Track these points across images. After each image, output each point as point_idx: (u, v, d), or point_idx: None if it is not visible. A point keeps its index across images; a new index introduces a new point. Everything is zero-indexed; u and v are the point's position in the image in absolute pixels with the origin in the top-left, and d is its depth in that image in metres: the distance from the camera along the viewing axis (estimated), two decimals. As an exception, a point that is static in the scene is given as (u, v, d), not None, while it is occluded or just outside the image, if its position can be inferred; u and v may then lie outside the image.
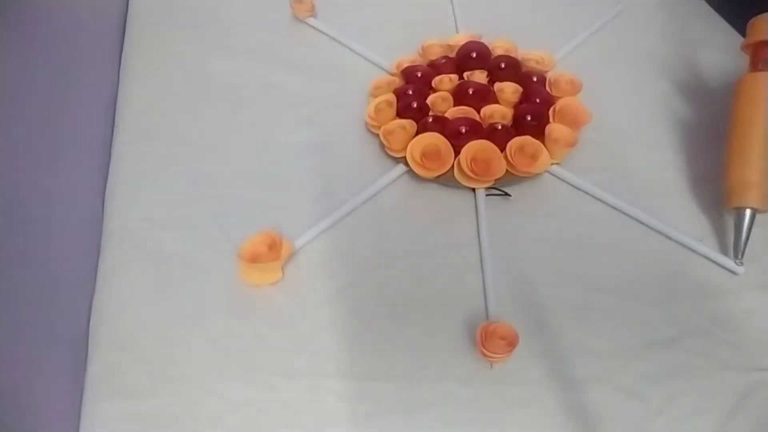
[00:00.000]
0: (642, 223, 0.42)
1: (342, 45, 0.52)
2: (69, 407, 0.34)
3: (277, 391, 0.35)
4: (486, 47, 0.51)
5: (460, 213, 0.43)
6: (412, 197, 0.44)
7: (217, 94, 0.51)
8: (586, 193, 0.44)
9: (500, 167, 0.43)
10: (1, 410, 0.29)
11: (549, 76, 0.50)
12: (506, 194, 0.42)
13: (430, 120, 0.46)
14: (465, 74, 0.50)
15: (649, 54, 0.53)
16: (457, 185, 0.44)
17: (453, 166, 0.44)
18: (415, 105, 0.48)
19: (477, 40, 0.52)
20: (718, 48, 0.52)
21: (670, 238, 0.41)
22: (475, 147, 0.44)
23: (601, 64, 0.51)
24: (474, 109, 0.48)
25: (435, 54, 0.52)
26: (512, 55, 0.51)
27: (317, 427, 0.34)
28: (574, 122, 0.46)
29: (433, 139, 0.45)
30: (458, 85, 0.49)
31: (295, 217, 0.43)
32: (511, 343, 0.34)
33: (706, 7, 0.57)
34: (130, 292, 0.39)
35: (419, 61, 0.53)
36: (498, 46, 0.52)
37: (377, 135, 0.47)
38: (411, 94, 0.48)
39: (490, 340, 0.34)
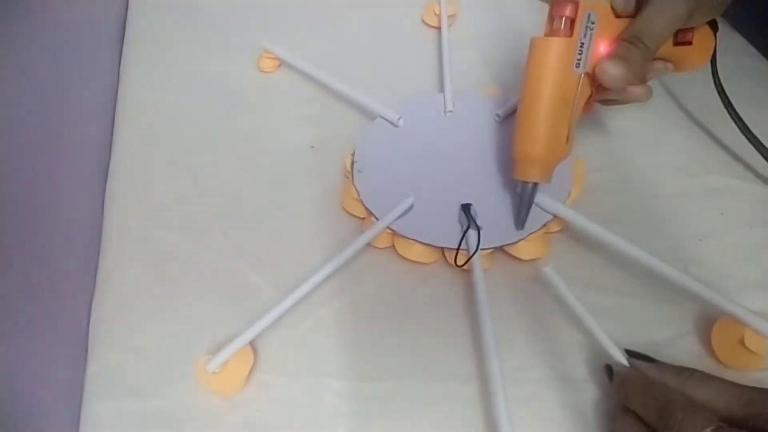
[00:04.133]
0: (641, 223, 0.42)
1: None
2: (69, 407, 0.34)
3: (277, 391, 0.35)
4: None
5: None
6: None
7: (217, 94, 0.51)
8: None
9: None
10: (1, 410, 0.29)
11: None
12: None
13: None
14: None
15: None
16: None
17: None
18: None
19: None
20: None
21: (670, 238, 0.41)
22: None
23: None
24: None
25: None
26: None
27: (317, 427, 0.34)
28: None
29: None
30: None
31: (295, 218, 0.43)
32: None
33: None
34: (130, 292, 0.39)
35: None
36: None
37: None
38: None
39: None
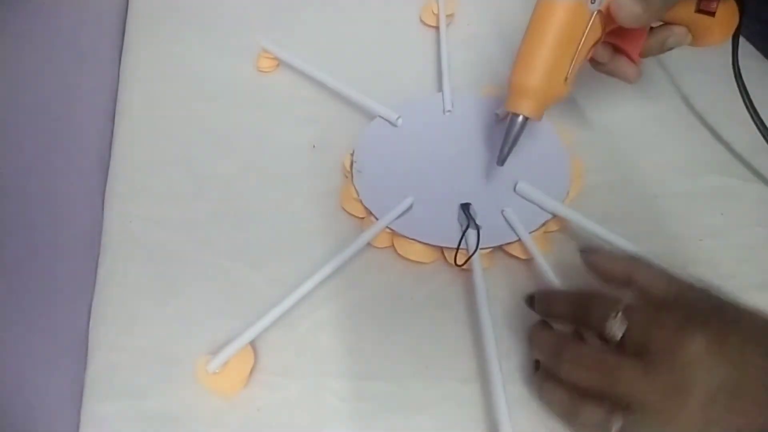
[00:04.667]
0: (641, 223, 0.42)
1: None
2: (69, 407, 0.34)
3: (277, 391, 0.35)
4: None
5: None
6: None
7: (217, 94, 0.51)
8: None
9: None
10: (1, 410, 0.29)
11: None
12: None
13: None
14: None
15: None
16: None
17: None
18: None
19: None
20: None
21: (670, 238, 0.41)
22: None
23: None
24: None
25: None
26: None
27: (317, 427, 0.34)
28: None
29: None
30: None
31: (295, 218, 0.43)
32: None
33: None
34: (130, 292, 0.39)
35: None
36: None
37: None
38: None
39: None
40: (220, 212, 0.43)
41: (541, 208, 0.40)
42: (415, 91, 0.49)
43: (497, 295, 0.38)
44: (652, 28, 0.38)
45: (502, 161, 0.38)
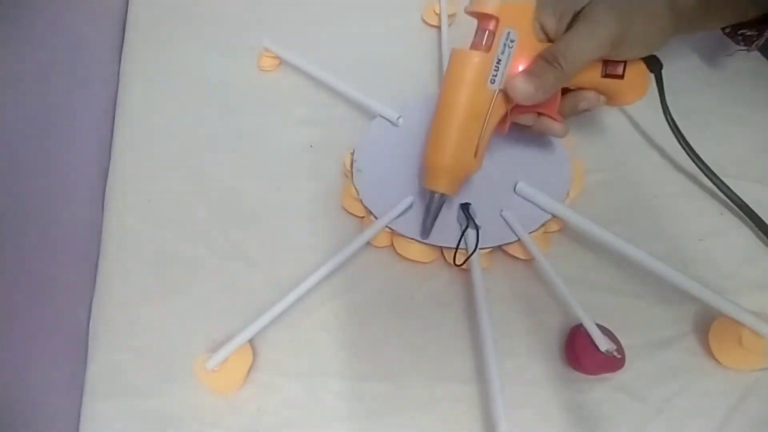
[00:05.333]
0: (641, 223, 0.42)
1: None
2: (69, 407, 0.34)
3: (277, 391, 0.35)
4: None
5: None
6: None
7: (217, 94, 0.51)
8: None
9: None
10: (1, 410, 0.29)
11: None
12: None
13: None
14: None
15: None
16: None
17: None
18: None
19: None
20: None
21: (670, 239, 0.41)
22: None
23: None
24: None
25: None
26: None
27: (317, 427, 0.34)
28: None
29: None
30: None
31: (294, 218, 0.43)
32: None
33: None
34: (130, 292, 0.39)
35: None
36: None
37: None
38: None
39: None
40: (220, 212, 0.43)
41: (541, 208, 0.40)
42: (416, 91, 0.49)
43: (497, 295, 0.38)
44: (564, 93, 0.39)
45: (426, 234, 0.39)
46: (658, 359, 0.36)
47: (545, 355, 0.36)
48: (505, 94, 0.36)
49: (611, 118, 0.49)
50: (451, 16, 0.56)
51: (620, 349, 0.34)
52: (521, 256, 0.40)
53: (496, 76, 0.35)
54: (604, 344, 0.34)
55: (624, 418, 0.34)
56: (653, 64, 0.39)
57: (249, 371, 0.35)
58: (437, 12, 0.56)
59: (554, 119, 0.39)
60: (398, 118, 0.46)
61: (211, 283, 0.40)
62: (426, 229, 0.39)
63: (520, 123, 0.40)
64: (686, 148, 0.43)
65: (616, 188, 0.44)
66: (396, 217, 0.40)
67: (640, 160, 0.46)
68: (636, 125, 0.48)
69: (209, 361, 0.34)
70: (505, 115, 0.38)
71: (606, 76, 0.38)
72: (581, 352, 0.34)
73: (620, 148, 0.47)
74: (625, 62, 0.38)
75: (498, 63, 0.35)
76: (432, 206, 0.38)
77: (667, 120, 0.43)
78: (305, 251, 0.41)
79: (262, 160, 0.47)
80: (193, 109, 0.50)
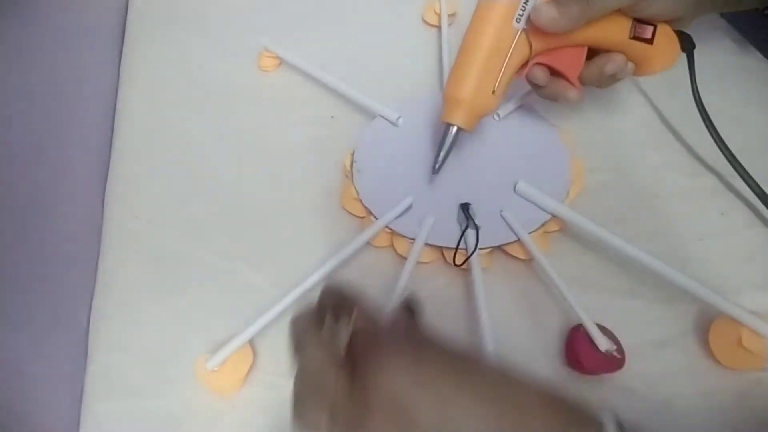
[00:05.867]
0: (641, 223, 0.42)
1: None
2: (69, 407, 0.34)
3: (277, 391, 0.35)
4: None
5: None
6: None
7: (217, 94, 0.51)
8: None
9: None
10: (1, 410, 0.29)
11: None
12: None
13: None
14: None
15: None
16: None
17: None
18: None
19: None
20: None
21: (670, 238, 0.41)
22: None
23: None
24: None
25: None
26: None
27: (317, 427, 0.34)
28: None
29: None
30: None
31: (294, 217, 0.43)
32: None
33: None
34: (130, 292, 0.39)
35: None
36: None
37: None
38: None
39: None
40: (220, 212, 0.43)
41: (541, 208, 0.40)
42: (416, 91, 0.49)
43: (497, 295, 0.38)
44: (590, 56, 0.39)
45: (436, 170, 0.40)
46: (658, 359, 0.36)
47: (545, 355, 0.36)
48: (529, 35, 0.36)
49: (612, 117, 0.49)
50: (451, 16, 0.56)
51: (620, 349, 0.34)
52: (521, 256, 0.40)
53: (522, 15, 0.36)
54: (604, 344, 0.34)
55: (624, 418, 0.34)
56: (685, 41, 0.39)
57: (249, 371, 0.35)
58: (437, 12, 0.56)
59: (571, 83, 0.39)
60: (398, 118, 0.46)
61: (211, 283, 0.40)
62: (438, 164, 0.39)
63: (534, 82, 0.40)
64: (713, 133, 0.43)
65: (616, 188, 0.44)
66: (396, 218, 0.40)
67: (641, 160, 0.46)
68: (637, 125, 0.48)
69: (209, 362, 0.34)
70: (527, 61, 0.38)
71: (634, 38, 0.38)
72: (581, 353, 0.34)
73: (620, 148, 0.47)
74: (654, 26, 0.38)
75: (525, 2, 0.35)
76: (446, 140, 0.39)
77: (696, 103, 0.43)
78: (305, 251, 0.41)
79: (262, 160, 0.47)
80: (193, 109, 0.50)
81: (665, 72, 0.41)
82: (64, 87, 0.42)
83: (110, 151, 0.47)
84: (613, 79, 0.40)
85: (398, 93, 0.49)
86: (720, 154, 0.43)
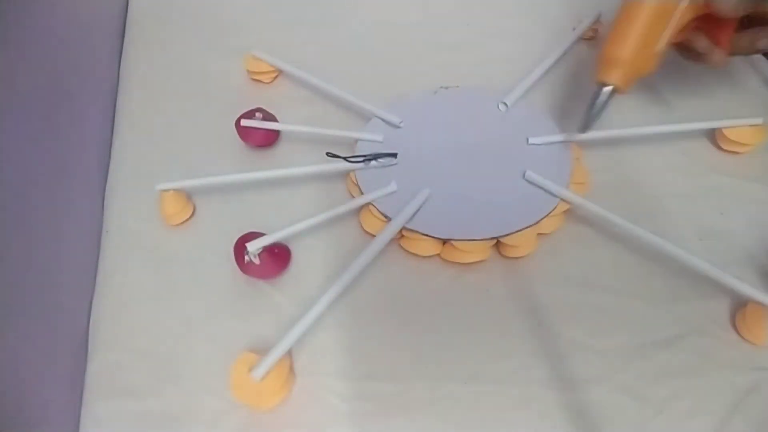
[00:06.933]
0: (641, 223, 0.42)
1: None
2: (69, 407, 0.34)
3: (277, 391, 0.35)
4: None
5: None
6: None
7: (216, 94, 0.51)
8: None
9: None
10: (1, 410, 0.29)
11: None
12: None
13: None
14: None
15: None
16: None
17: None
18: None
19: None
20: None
21: (670, 238, 0.41)
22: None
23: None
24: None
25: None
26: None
27: (317, 427, 0.34)
28: None
29: None
30: None
31: (294, 218, 0.43)
32: None
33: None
34: (130, 292, 0.39)
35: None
36: None
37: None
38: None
39: None
40: (220, 212, 0.43)
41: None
42: (416, 91, 0.49)
43: (497, 295, 0.38)
44: (744, 26, 0.39)
45: (585, 129, 0.40)
46: (658, 359, 0.36)
47: (545, 355, 0.36)
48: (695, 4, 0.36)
49: (612, 117, 0.49)
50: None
51: (269, 255, 0.37)
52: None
53: None
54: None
55: (624, 418, 0.34)
56: None
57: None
58: None
59: (721, 47, 0.39)
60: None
61: (210, 283, 0.40)
62: (587, 125, 0.39)
63: (693, 46, 0.40)
64: None
65: (616, 188, 0.44)
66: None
67: (641, 160, 0.46)
68: (637, 125, 0.48)
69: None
70: (688, 24, 0.38)
71: None
72: (238, 256, 0.37)
73: (620, 148, 0.47)
74: None
75: None
76: (598, 99, 0.39)
77: None
78: (306, 251, 0.41)
79: (261, 159, 0.47)
80: (192, 109, 0.50)
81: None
82: (65, 86, 0.42)
83: (110, 151, 0.47)
84: (760, 52, 0.40)
85: (398, 93, 0.49)
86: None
